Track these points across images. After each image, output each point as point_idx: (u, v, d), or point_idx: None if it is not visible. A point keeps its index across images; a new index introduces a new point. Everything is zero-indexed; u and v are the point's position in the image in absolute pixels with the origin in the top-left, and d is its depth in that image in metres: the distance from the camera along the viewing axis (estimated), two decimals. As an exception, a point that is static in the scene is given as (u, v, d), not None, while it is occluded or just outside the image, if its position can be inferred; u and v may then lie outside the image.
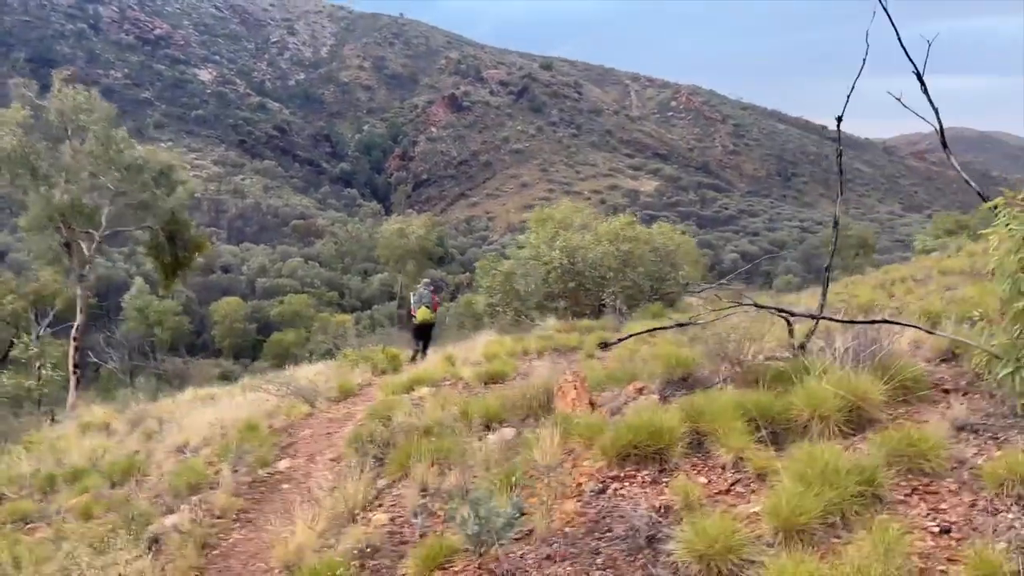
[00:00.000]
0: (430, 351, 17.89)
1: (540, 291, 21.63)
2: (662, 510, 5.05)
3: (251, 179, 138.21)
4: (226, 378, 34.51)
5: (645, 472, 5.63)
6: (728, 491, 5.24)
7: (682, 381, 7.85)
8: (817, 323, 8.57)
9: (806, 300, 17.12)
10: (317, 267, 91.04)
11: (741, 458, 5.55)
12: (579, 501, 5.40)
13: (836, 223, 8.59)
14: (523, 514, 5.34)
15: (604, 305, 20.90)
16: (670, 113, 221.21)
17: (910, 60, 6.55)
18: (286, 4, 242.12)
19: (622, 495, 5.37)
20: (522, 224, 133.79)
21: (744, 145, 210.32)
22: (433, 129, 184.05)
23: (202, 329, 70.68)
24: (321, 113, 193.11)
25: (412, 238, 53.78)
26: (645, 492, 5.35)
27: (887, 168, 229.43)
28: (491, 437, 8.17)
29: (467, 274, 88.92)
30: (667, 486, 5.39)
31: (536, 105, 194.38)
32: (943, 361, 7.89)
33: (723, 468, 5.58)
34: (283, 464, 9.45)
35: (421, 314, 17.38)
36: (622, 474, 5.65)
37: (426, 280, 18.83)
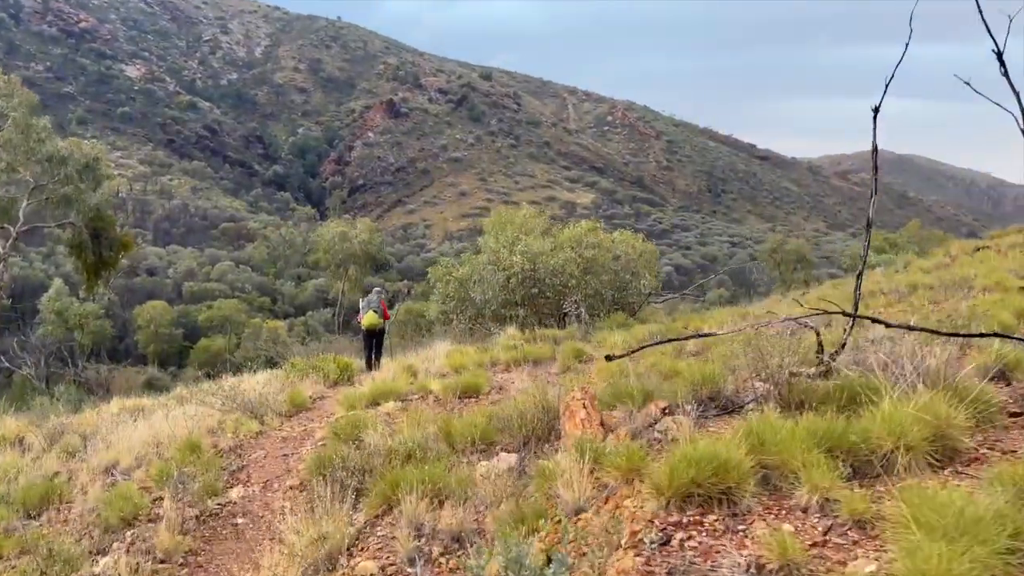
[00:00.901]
0: (383, 359, 17.39)
1: (498, 298, 20.56)
2: (753, 570, 4.01)
3: (179, 180, 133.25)
4: (152, 387, 32.31)
5: (713, 517, 4.59)
6: (824, 542, 4.24)
7: (710, 401, 6.88)
8: (848, 336, 7.73)
9: (750, 312, 16.53)
10: (248, 271, 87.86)
11: (827, 499, 4.57)
12: (638, 555, 4.32)
13: (869, 224, 7.75)
14: (569, 572, 4.26)
15: (566, 314, 19.96)
16: (606, 127, 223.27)
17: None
18: (219, 2, 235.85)
19: (693, 547, 4.32)
20: (460, 232, 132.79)
21: (677, 161, 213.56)
22: (370, 134, 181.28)
23: (125, 334, 67.16)
24: (254, 114, 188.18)
25: (355, 242, 51.91)
26: (722, 544, 4.31)
27: (812, 187, 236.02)
28: (487, 464, 7.05)
29: (405, 282, 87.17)
30: (747, 535, 4.37)
31: (475, 114, 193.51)
32: (991, 380, 7.12)
33: (804, 511, 4.59)
34: (235, 492, 8.12)
35: (368, 319, 16.81)
36: (685, 519, 4.60)
37: (378, 288, 18.67)
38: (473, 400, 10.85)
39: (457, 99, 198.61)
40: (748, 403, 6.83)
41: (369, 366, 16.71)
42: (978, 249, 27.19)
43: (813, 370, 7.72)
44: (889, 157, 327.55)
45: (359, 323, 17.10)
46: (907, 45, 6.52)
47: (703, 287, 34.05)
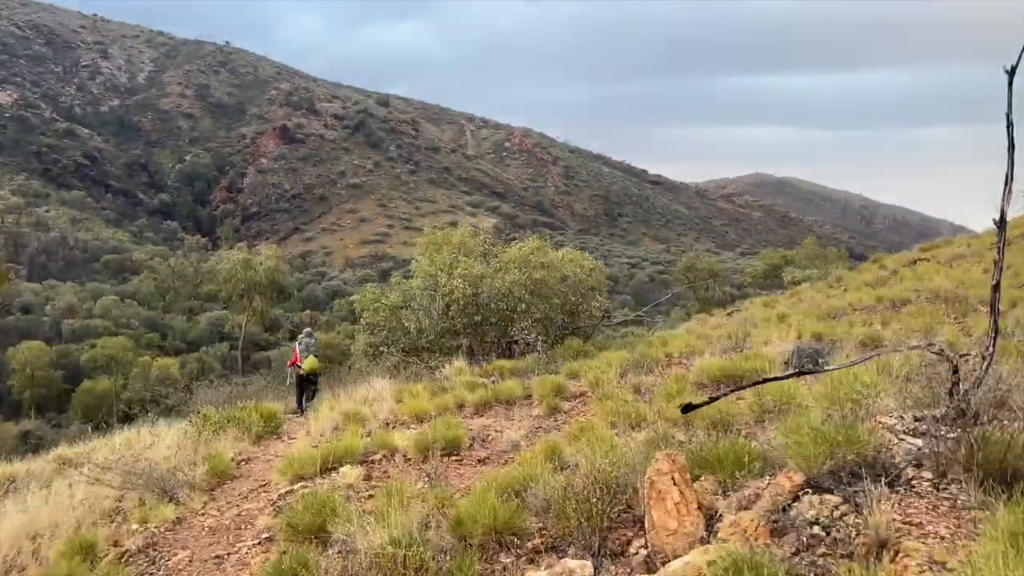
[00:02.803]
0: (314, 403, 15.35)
1: (436, 327, 18.25)
2: None
3: (56, 211, 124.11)
4: (29, 441, 28.08)
5: None
6: None
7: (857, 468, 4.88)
8: (989, 366, 5.94)
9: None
10: (134, 305, 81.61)
11: None
12: None
13: (1003, 220, 5.96)
14: None
15: (514, 342, 17.85)
16: (504, 153, 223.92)
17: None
18: (99, 27, 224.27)
19: None
20: (362, 259, 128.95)
21: (574, 186, 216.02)
22: (263, 160, 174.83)
23: (-5, 379, 60.65)
24: (138, 141, 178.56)
25: (260, 270, 48.02)
26: None
27: (700, 210, 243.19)
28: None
29: (308, 312, 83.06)
30: None
31: (373, 140, 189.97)
32: None
33: None
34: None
35: (309, 363, 15.66)
36: None
37: (308, 329, 17.40)
38: (455, 459, 8.57)
39: (354, 125, 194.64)
40: (904, 467, 4.88)
41: (300, 408, 15.57)
42: (915, 262, 26.80)
43: (938, 412, 5.90)
44: (770, 180, 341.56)
45: (295, 367, 15.98)
46: None
47: (657, 307, 32.74)
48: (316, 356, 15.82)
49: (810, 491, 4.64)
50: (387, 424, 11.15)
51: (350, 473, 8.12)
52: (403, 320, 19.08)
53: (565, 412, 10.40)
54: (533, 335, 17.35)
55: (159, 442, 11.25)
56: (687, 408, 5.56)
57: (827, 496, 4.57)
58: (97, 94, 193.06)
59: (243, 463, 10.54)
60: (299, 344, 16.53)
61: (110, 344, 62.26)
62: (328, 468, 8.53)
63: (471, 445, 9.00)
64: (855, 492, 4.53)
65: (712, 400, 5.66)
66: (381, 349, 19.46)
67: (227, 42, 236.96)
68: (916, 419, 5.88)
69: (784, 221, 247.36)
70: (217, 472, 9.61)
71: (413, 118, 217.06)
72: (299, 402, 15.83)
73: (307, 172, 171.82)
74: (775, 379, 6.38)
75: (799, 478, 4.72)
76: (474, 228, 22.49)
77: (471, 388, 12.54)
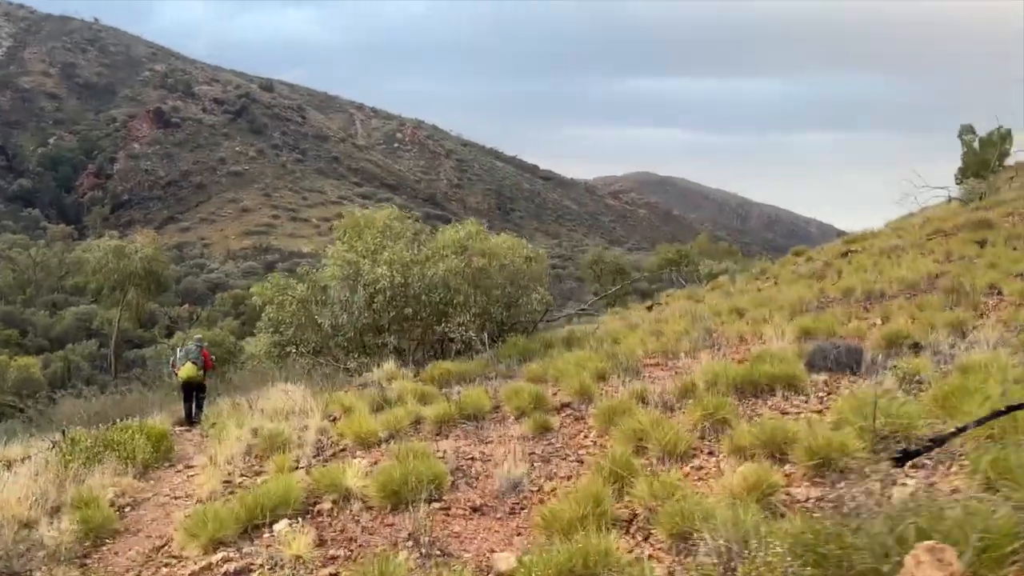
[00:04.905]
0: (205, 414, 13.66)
1: (357, 323, 15.70)
2: None
3: None
4: None
5: None
6: None
7: None
8: None
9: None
10: (-11, 300, 73.87)
11: None
12: None
13: None
14: None
15: (450, 340, 15.51)
16: (396, 145, 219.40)
17: None
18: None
19: None
20: (244, 251, 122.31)
21: (467, 179, 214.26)
22: (136, 145, 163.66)
23: None
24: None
25: (136, 259, 43.17)
26: None
27: (589, 206, 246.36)
28: None
29: (186, 306, 77.45)
30: None
31: (256, 127, 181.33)
32: None
33: None
34: None
35: (185, 371, 14.03)
36: None
37: (199, 336, 15.71)
38: (438, 507, 6.25)
39: (236, 110, 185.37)
40: None
41: (189, 419, 13.70)
42: (845, 254, 26.06)
43: None
44: (654, 179, 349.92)
45: (175, 373, 14.49)
46: None
47: (606, 299, 30.91)
48: (196, 364, 14.11)
49: None
50: (322, 450, 8.66)
51: (293, 537, 5.65)
52: (315, 315, 16.43)
53: (557, 431, 8.21)
54: (471, 332, 15.09)
55: (7, 480, 8.33)
56: (905, 457, 3.49)
57: None
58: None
59: (128, 508, 7.83)
60: (180, 350, 14.94)
61: (-42, 343, 55.65)
62: (260, 525, 6.04)
63: (454, 484, 6.69)
64: None
65: (957, 432, 3.59)
66: (288, 350, 16.73)
67: (96, 19, 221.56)
68: None
69: (667, 218, 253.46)
70: (93, 526, 6.92)
71: (300, 105, 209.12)
72: (187, 413, 13.93)
73: (184, 158, 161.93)
74: None
75: None
76: (401, 210, 19.93)
77: (421, 399, 10.18)
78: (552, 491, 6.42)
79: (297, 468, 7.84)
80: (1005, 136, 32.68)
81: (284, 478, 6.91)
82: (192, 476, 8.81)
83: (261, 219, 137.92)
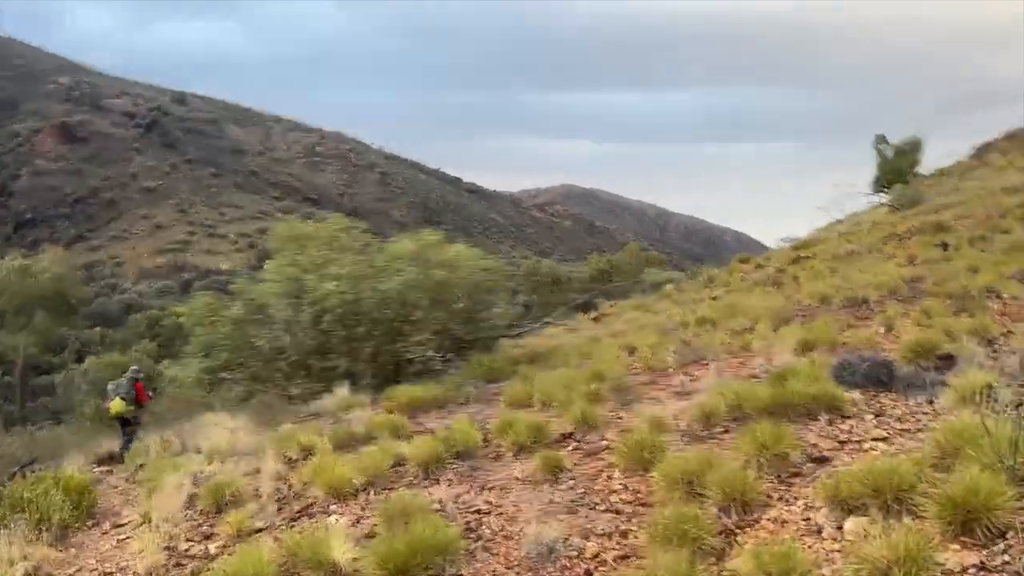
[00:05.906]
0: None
1: (302, 344, 14.13)
2: None
3: None
4: None
5: None
6: None
7: None
8: None
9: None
10: None
11: None
12: None
13: None
14: None
15: (409, 361, 14.08)
16: (317, 158, 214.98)
17: None
18: None
19: None
20: (159, 269, 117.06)
21: (391, 192, 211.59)
22: (40, 161, 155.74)
23: None
24: None
25: (43, 278, 39.95)
26: None
27: (515, 218, 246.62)
28: None
29: (97, 329, 73.08)
30: None
31: (169, 140, 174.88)
32: None
33: None
34: None
35: (114, 407, 13.54)
36: None
37: (134, 367, 15.05)
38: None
39: (147, 124, 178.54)
40: None
41: (123, 453, 12.77)
42: (796, 260, 25.63)
43: None
44: (578, 191, 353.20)
45: (107, 408, 13.90)
46: None
47: (565, 312, 29.71)
48: (125, 399, 13.62)
49: None
50: (285, 503, 7.17)
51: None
52: (252, 337, 14.78)
53: (570, 471, 6.92)
54: (430, 351, 13.72)
55: None
56: None
57: None
58: None
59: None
60: (111, 384, 14.31)
61: None
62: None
63: (470, 551, 5.33)
64: None
65: None
66: (223, 376, 15.02)
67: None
68: None
69: (591, 229, 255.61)
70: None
71: (215, 118, 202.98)
72: (124, 443, 13.20)
73: (93, 174, 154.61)
74: None
75: None
76: (347, 220, 18.39)
77: (394, 433, 8.76)
78: (596, 556, 5.15)
79: (259, 531, 6.35)
80: (916, 145, 34.00)
81: (248, 551, 5.44)
82: (124, 540, 7.19)
83: (176, 236, 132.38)
